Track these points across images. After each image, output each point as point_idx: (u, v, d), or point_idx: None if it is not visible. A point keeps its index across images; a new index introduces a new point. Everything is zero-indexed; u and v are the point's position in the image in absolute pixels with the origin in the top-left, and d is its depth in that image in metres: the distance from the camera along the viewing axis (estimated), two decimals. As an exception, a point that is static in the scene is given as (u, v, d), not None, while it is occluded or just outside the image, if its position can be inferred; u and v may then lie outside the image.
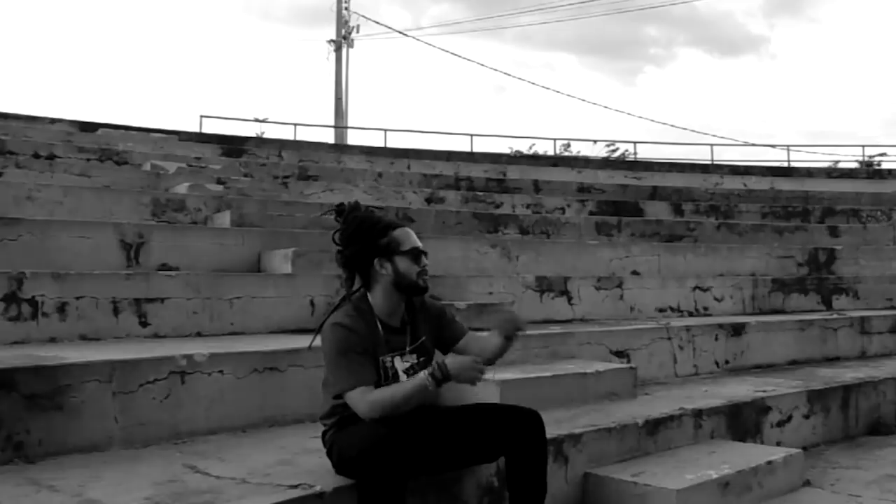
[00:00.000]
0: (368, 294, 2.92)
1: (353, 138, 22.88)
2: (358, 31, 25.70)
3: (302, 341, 3.32)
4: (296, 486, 2.69)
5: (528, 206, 10.55)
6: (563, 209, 10.67)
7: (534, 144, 22.87)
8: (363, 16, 38.59)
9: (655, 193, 12.95)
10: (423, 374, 2.71)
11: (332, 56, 25.27)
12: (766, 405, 4.72)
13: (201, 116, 24.35)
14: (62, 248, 4.99)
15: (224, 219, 6.60)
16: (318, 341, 2.88)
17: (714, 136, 61.39)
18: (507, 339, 2.96)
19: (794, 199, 13.66)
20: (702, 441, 4.20)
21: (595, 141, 23.76)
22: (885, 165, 21.08)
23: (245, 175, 9.92)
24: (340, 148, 16.55)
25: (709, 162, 19.43)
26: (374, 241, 2.88)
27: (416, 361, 2.91)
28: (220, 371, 3.57)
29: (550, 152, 21.83)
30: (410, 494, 2.61)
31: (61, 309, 4.21)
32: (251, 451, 3.24)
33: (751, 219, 11.58)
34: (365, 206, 3.06)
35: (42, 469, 2.93)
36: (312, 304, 5.05)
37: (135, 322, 4.43)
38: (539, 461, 2.89)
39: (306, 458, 3.09)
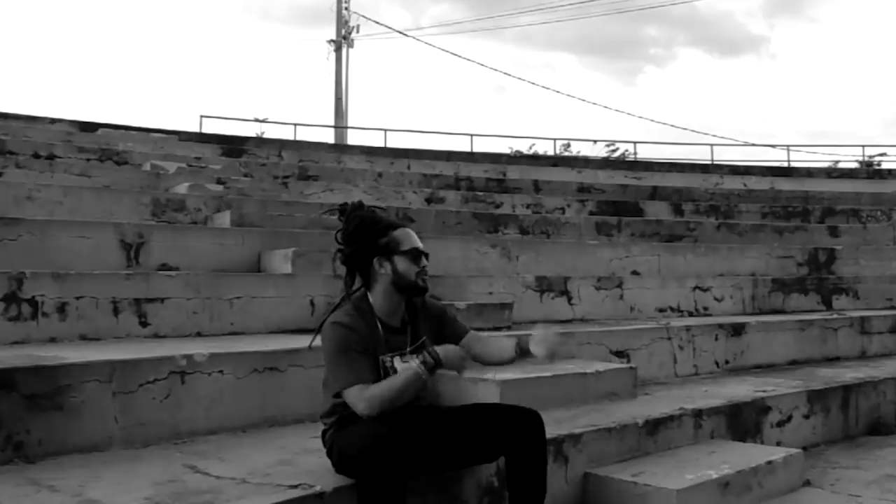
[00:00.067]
0: (369, 294, 2.92)
1: (353, 138, 22.91)
2: (358, 31, 25.73)
3: (302, 341, 3.32)
4: (296, 486, 2.69)
5: (528, 206, 10.56)
6: (563, 209, 10.68)
7: (534, 144, 22.90)
8: (363, 16, 38.62)
9: (655, 193, 12.96)
10: (414, 364, 2.73)
11: (332, 56, 25.29)
12: (766, 405, 4.72)
13: (201, 116, 24.38)
14: (62, 248, 5.00)
15: (224, 219, 6.61)
16: (318, 341, 2.88)
17: (714, 136, 61.41)
18: (549, 358, 2.92)
19: (794, 199, 13.66)
20: (702, 441, 4.20)
21: (595, 141, 23.79)
22: (885, 165, 21.09)
23: (245, 175, 9.93)
24: (340, 148, 16.55)
25: (709, 162, 19.43)
26: (373, 241, 2.88)
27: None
28: (220, 371, 3.57)
29: (550, 152, 21.84)
30: (410, 494, 2.61)
31: (61, 309, 4.21)
32: (251, 451, 3.24)
33: (751, 219, 11.59)
34: (368, 206, 3.07)
35: (42, 469, 2.92)
36: (312, 304, 5.06)
37: (135, 322, 4.43)
38: (539, 461, 2.89)
39: (306, 458, 3.09)
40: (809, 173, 17.38)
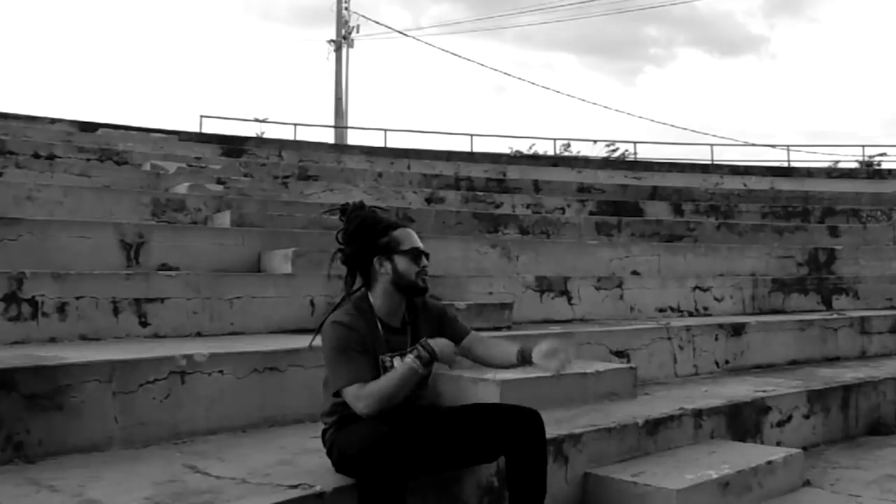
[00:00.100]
0: (369, 293, 2.92)
1: (353, 138, 22.92)
2: (358, 31, 25.73)
3: (302, 341, 3.32)
4: (296, 486, 2.69)
5: (528, 206, 10.56)
6: (563, 209, 10.68)
7: (534, 144, 22.91)
8: (363, 16, 38.62)
9: (655, 193, 12.96)
10: (409, 358, 2.74)
11: (332, 56, 25.30)
12: (766, 405, 4.71)
13: (201, 116, 24.38)
14: (62, 248, 5.00)
15: (224, 219, 6.61)
16: (318, 340, 2.88)
17: (714, 136, 61.42)
18: (557, 371, 2.88)
19: (794, 199, 13.67)
20: (702, 441, 4.20)
21: (595, 141, 23.80)
22: (885, 165, 21.10)
23: (245, 175, 9.93)
24: (340, 148, 16.55)
25: (709, 162, 19.43)
26: (374, 240, 2.88)
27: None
28: (220, 371, 3.57)
29: (550, 152, 21.84)
30: (410, 494, 2.61)
31: (61, 309, 4.21)
32: (251, 451, 3.24)
33: (751, 219, 11.59)
34: (369, 206, 3.07)
35: (42, 469, 2.93)
36: (312, 304, 5.06)
37: (135, 322, 4.44)
38: (539, 461, 2.89)
39: (306, 458, 3.09)
40: (809, 173, 17.39)
